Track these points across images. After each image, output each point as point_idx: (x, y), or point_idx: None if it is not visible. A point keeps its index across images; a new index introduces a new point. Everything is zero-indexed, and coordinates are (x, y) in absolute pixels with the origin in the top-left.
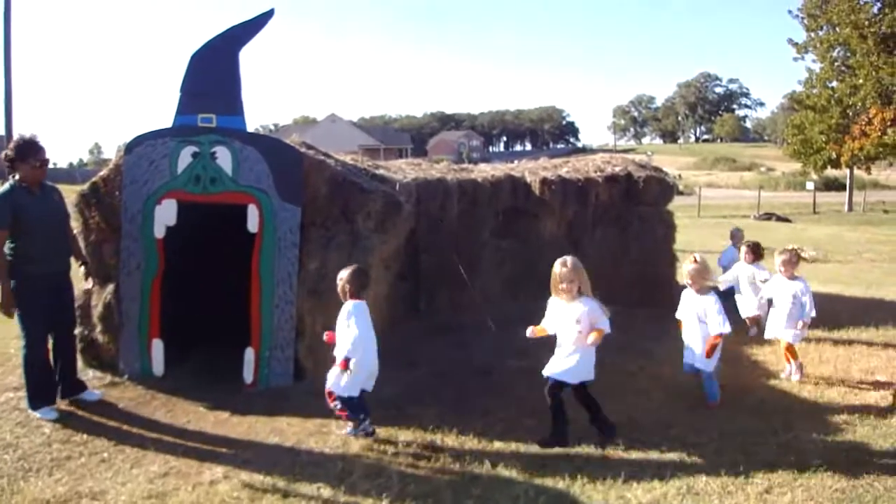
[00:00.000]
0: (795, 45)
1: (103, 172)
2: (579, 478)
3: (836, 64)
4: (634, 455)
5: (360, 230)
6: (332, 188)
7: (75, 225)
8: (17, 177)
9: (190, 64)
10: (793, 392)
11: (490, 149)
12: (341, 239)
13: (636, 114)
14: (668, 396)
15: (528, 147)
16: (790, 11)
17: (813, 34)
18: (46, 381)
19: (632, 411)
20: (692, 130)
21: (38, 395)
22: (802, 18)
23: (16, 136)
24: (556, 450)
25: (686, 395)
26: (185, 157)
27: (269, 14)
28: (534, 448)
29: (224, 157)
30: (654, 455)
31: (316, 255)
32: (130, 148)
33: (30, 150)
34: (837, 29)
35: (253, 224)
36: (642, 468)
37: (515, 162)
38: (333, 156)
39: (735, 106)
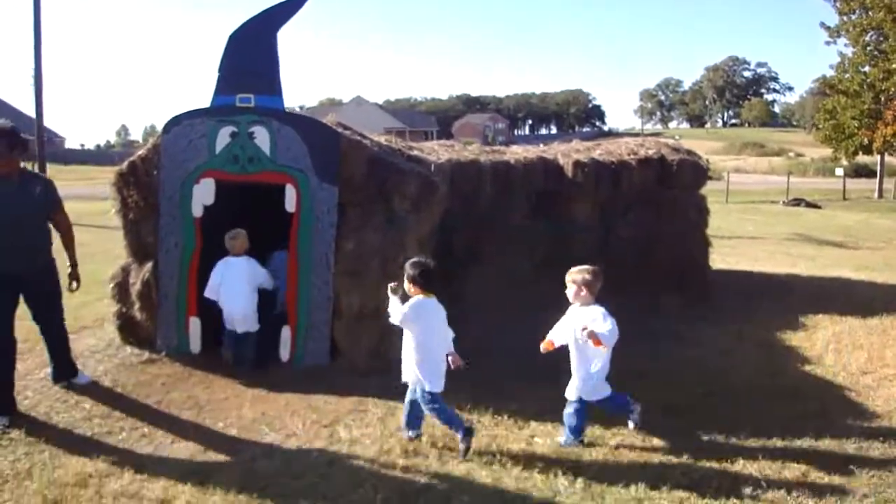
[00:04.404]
0: (828, 28)
1: (141, 152)
2: (616, 459)
3: (868, 48)
4: (672, 437)
5: (396, 211)
6: (369, 169)
7: (113, 204)
8: None
9: (228, 44)
10: (828, 378)
11: (515, 132)
12: (377, 219)
13: (663, 97)
14: (702, 381)
15: (554, 130)
16: None
17: (845, 18)
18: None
19: (667, 397)
20: (720, 115)
21: None
22: (835, 2)
23: None
24: (597, 431)
25: (720, 380)
26: (224, 137)
27: None
28: None
29: (262, 137)
30: (690, 438)
31: (352, 236)
32: (168, 128)
33: None
34: (871, 13)
35: (291, 204)
36: (679, 452)
37: (541, 145)
38: (369, 136)
39: (763, 90)
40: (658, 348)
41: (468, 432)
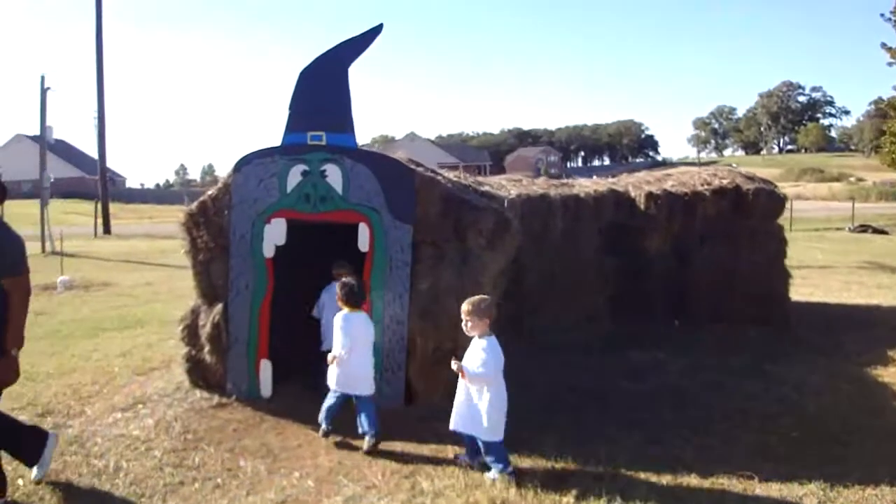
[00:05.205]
0: (889, 49)
1: (212, 191)
2: None
3: None
4: (775, 486)
5: (471, 248)
6: (443, 206)
7: (183, 244)
8: None
9: (299, 81)
10: None
11: (568, 164)
12: (452, 257)
13: (717, 125)
14: (797, 423)
15: (607, 161)
16: (882, 15)
17: None
18: None
19: (763, 441)
20: (775, 141)
21: None
22: (895, 22)
23: None
24: (693, 480)
25: (816, 422)
26: (295, 176)
27: (377, 30)
28: (666, 478)
29: (334, 175)
30: (795, 486)
31: (427, 275)
32: (239, 167)
33: None
34: None
35: (364, 243)
36: (784, 499)
37: (594, 177)
38: (441, 172)
39: (819, 115)
40: (745, 388)
41: (375, 435)
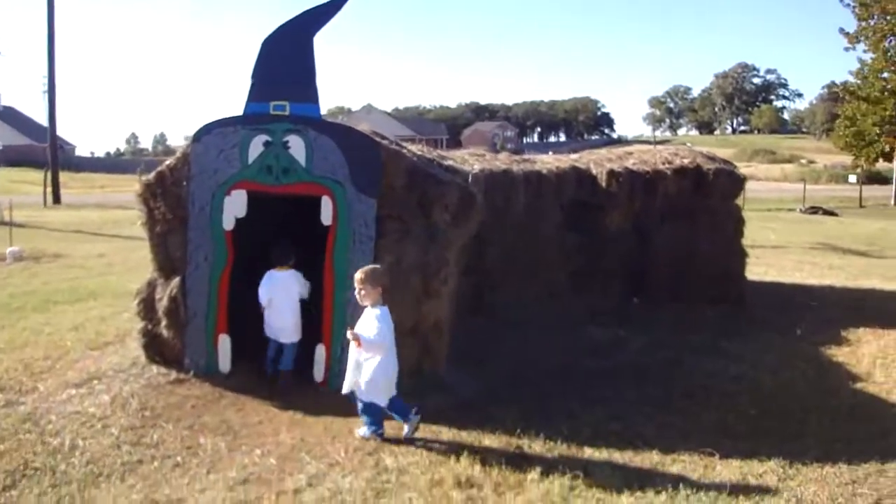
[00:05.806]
0: (847, 34)
1: (170, 161)
2: (682, 488)
3: (889, 54)
4: (735, 462)
5: (436, 223)
6: (408, 179)
7: (140, 216)
8: None
9: (262, 49)
10: (882, 397)
11: (524, 140)
12: (417, 232)
13: (672, 105)
14: (755, 400)
15: (563, 138)
16: (841, 0)
17: (864, 23)
18: None
19: (722, 418)
20: (729, 122)
21: None
22: (854, 7)
23: None
24: (655, 457)
25: (773, 400)
26: (257, 146)
27: None
28: (628, 455)
29: (297, 147)
30: (755, 463)
31: (391, 249)
32: (199, 136)
33: None
34: (889, 18)
35: (327, 216)
36: (745, 476)
37: (550, 153)
38: (405, 146)
39: (773, 97)
40: (705, 366)
41: (288, 373)
